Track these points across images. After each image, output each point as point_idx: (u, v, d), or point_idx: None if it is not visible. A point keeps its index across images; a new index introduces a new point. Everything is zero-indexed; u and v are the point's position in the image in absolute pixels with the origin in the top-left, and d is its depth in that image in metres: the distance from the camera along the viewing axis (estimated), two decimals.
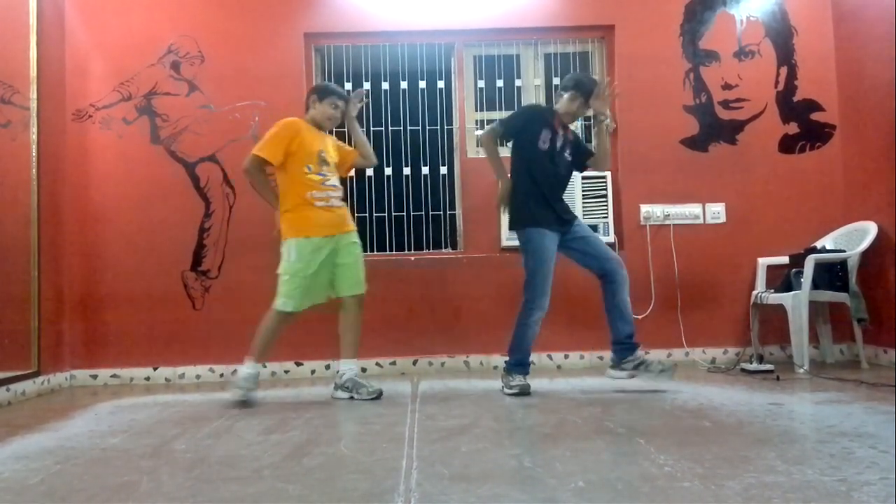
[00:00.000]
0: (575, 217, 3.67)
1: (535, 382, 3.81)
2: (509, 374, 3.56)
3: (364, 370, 4.46)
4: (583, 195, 4.56)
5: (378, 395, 3.47)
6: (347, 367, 3.58)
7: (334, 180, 3.62)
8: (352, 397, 3.50)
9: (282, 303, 3.48)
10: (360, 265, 3.61)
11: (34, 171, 4.00)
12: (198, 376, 4.44)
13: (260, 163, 3.52)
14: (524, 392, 3.47)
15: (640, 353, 3.57)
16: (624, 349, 3.58)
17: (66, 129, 4.44)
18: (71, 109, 4.48)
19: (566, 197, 3.71)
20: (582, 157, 3.72)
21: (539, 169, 3.55)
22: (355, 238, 3.65)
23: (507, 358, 3.60)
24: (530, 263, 3.54)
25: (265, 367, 3.65)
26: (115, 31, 4.55)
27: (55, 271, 4.23)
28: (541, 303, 3.51)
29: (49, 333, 4.12)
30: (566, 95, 3.61)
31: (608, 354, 4.48)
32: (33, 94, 4.02)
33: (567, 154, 3.63)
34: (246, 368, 3.51)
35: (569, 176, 3.71)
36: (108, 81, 4.52)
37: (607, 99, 3.62)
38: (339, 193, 3.63)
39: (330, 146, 3.68)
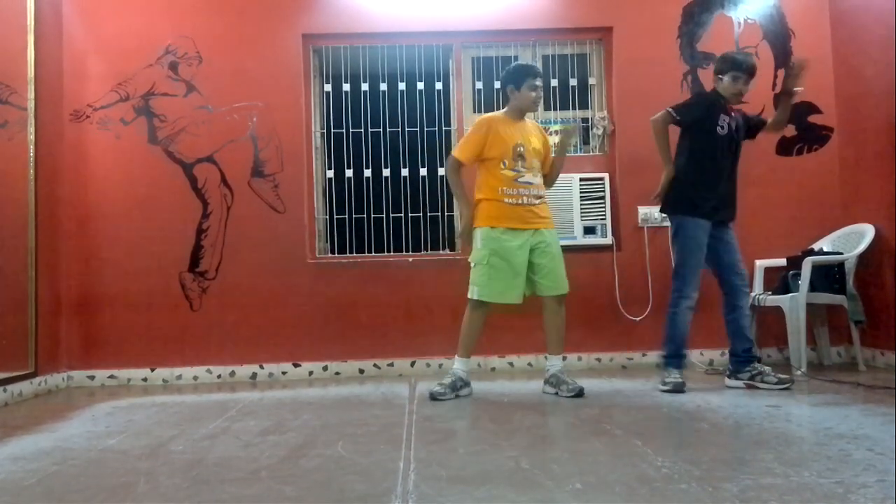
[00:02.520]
0: (732, 216, 3.65)
1: (533, 384, 3.81)
2: (665, 369, 3.57)
3: (361, 371, 4.47)
4: (581, 197, 4.57)
5: (579, 393, 3.44)
6: (552, 363, 3.59)
7: (530, 177, 3.54)
8: (556, 393, 3.49)
9: (471, 291, 3.52)
10: (556, 264, 3.55)
11: (31, 171, 4.00)
12: (195, 377, 4.43)
13: (457, 164, 3.58)
14: (677, 390, 3.45)
15: (757, 364, 3.56)
16: (740, 361, 3.59)
17: (63, 129, 4.43)
18: (68, 110, 4.47)
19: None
20: (755, 130, 3.71)
21: (711, 156, 3.55)
22: (551, 237, 3.58)
23: (662, 353, 3.64)
24: (680, 253, 3.55)
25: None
26: (112, 32, 4.54)
27: (52, 272, 4.22)
28: (688, 292, 3.52)
29: (46, 334, 4.11)
30: (727, 78, 3.57)
31: (606, 356, 4.52)
32: (31, 95, 4.02)
33: (739, 136, 3.62)
34: (455, 364, 3.56)
35: (736, 161, 3.64)
36: (105, 82, 4.51)
37: (800, 75, 3.59)
38: (537, 191, 3.57)
39: (533, 138, 3.60)
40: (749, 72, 3.58)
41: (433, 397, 3.43)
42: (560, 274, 3.56)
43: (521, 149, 3.53)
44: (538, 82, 3.56)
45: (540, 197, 3.59)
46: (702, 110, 3.61)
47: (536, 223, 3.55)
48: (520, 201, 3.51)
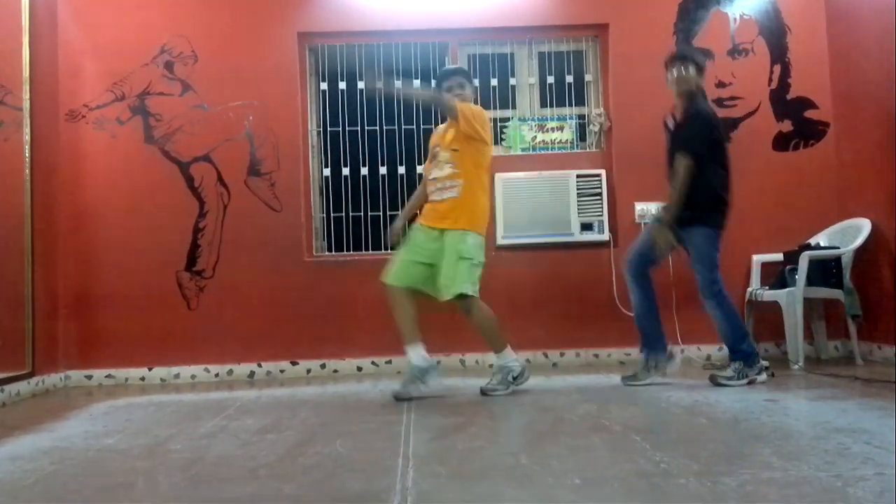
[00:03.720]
0: (687, 216, 3.55)
1: (530, 381, 3.81)
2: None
3: (359, 369, 4.47)
4: (578, 193, 4.56)
5: (483, 391, 3.45)
6: (497, 361, 3.55)
7: (436, 172, 3.51)
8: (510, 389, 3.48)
9: None
10: (446, 267, 3.38)
11: (27, 171, 3.98)
12: (193, 376, 4.43)
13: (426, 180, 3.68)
14: (626, 382, 3.58)
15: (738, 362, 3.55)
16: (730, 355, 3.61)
17: (59, 129, 4.42)
18: (64, 110, 4.46)
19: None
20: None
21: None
22: (453, 238, 3.39)
23: None
24: None
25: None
26: (108, 31, 4.53)
27: (49, 271, 4.21)
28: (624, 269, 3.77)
29: (43, 334, 4.09)
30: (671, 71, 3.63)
31: (604, 352, 4.52)
32: (26, 95, 4.00)
33: (678, 133, 3.61)
34: (409, 357, 3.48)
35: (676, 157, 3.54)
36: (101, 81, 4.50)
37: None
38: (439, 185, 3.48)
39: (449, 131, 3.54)
40: (667, 63, 3.64)
41: (397, 398, 3.36)
42: (443, 277, 3.41)
43: (436, 149, 3.58)
44: (451, 81, 3.56)
45: (446, 189, 3.47)
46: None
47: (439, 223, 3.47)
48: (430, 199, 3.56)
